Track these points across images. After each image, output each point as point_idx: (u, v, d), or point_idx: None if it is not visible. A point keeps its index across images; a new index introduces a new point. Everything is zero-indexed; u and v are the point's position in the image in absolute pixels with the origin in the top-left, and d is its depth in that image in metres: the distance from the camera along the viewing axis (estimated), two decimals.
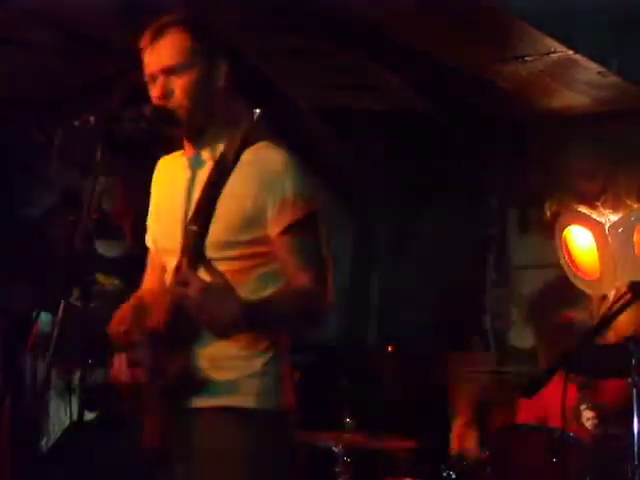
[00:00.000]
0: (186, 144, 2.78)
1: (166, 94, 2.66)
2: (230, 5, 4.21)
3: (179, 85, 2.66)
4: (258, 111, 2.67)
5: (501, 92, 5.34)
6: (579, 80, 5.16)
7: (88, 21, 4.43)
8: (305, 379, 3.66)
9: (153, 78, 2.69)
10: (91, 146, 2.65)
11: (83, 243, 2.56)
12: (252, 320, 2.53)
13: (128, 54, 2.79)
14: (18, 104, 4.82)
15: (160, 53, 2.67)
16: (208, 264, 2.61)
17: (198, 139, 2.75)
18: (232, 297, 2.51)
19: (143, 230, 3.00)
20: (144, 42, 2.70)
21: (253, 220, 2.63)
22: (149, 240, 2.91)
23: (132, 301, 2.76)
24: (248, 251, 2.65)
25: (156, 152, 2.98)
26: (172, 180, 2.81)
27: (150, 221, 2.90)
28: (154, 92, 2.68)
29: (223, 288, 2.52)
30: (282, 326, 2.69)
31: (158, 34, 2.68)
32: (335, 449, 4.44)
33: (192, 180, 2.72)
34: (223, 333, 2.58)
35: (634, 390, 3.68)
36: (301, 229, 2.63)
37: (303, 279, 2.63)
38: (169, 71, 2.66)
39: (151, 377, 2.63)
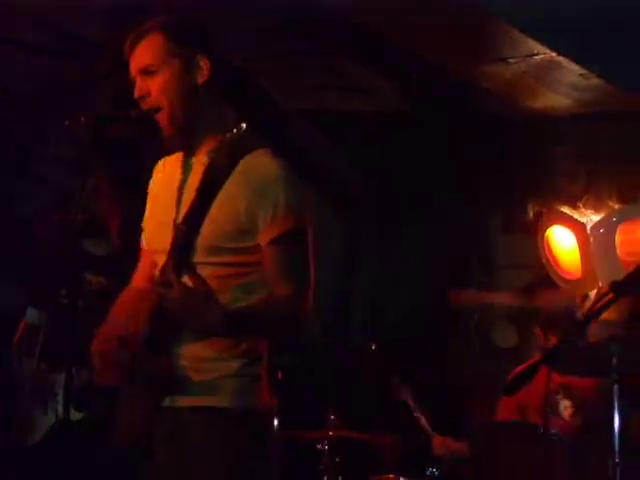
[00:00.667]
0: (178, 147, 2.83)
1: (143, 94, 2.70)
2: (222, 8, 4.23)
3: (155, 84, 2.70)
4: (244, 125, 2.71)
5: (486, 93, 5.37)
6: (562, 82, 5.21)
7: (80, 23, 4.44)
8: (290, 379, 3.67)
9: (135, 82, 2.74)
10: (81, 146, 2.68)
11: (71, 242, 2.58)
12: (231, 327, 2.61)
13: (118, 56, 2.80)
14: (10, 103, 4.82)
15: (137, 56, 2.73)
16: (193, 268, 2.65)
17: (187, 141, 2.79)
18: (212, 303, 2.57)
19: (129, 230, 3.02)
20: (127, 49, 2.76)
21: (244, 227, 2.67)
22: (143, 239, 2.94)
23: (117, 305, 2.80)
24: (234, 259, 2.69)
25: (144, 153, 3.00)
26: (167, 181, 2.86)
27: (145, 220, 2.93)
28: (134, 94, 2.72)
29: (204, 294, 2.58)
30: (260, 334, 2.74)
31: (137, 39, 2.74)
32: (319, 446, 4.47)
33: (183, 182, 2.77)
34: (202, 335, 2.65)
35: (615, 387, 3.71)
36: (290, 241, 2.69)
37: (285, 290, 2.69)
38: (145, 72, 2.71)
39: (133, 378, 2.67)
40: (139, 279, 2.94)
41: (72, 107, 4.73)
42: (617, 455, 3.66)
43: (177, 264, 2.63)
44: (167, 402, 2.68)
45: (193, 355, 2.68)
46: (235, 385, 2.68)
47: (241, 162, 2.69)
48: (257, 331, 2.73)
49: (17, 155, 5.12)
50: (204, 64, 2.73)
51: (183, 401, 2.68)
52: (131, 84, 2.75)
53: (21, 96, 4.80)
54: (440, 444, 4.76)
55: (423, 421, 4.85)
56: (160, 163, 2.95)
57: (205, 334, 2.64)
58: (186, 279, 2.59)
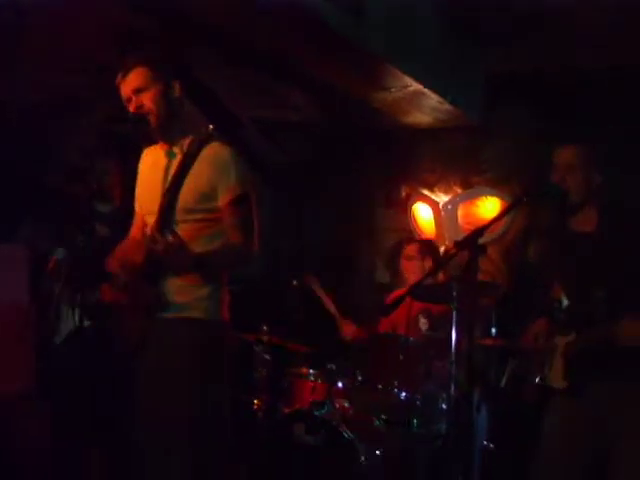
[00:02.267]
0: (160, 140, 2.81)
1: (139, 106, 2.72)
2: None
3: (146, 98, 2.71)
4: (211, 127, 2.73)
5: (374, 112, 5.40)
6: (425, 105, 5.26)
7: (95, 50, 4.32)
8: (237, 302, 3.67)
9: (128, 99, 2.74)
10: (95, 137, 2.66)
11: (87, 202, 2.56)
12: (199, 266, 2.66)
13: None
14: (44, 107, 4.65)
15: (130, 81, 2.73)
16: (174, 225, 2.66)
17: (168, 137, 2.79)
18: (185, 252, 2.61)
19: (127, 196, 3.00)
20: (118, 79, 2.76)
21: (208, 195, 2.70)
22: (136, 204, 2.92)
23: (121, 247, 2.78)
24: (203, 216, 2.72)
25: (138, 143, 2.98)
26: (154, 164, 2.87)
27: (138, 191, 2.92)
28: (131, 108, 2.74)
29: (179, 245, 2.60)
30: (220, 269, 2.77)
31: (126, 71, 2.74)
32: (256, 348, 4.49)
33: (168, 165, 2.77)
34: (180, 273, 2.67)
35: (454, 313, 3.78)
36: (239, 203, 2.72)
37: (237, 237, 2.72)
38: (138, 91, 2.72)
39: (134, 298, 2.69)
40: (135, 232, 2.93)
41: (89, 111, 4.62)
42: (454, 357, 3.70)
43: (163, 223, 2.65)
44: (158, 315, 2.70)
45: (176, 284, 2.71)
46: (206, 304, 2.72)
47: (204, 149, 2.71)
48: (218, 266, 2.75)
49: (50, 143, 4.99)
50: (176, 85, 2.76)
51: (169, 315, 2.70)
52: (125, 100, 2.75)
53: (55, 102, 4.66)
54: (346, 327, 4.75)
55: (332, 308, 4.83)
56: (145, 151, 2.95)
57: (182, 273, 2.66)
58: (168, 235, 2.61)
